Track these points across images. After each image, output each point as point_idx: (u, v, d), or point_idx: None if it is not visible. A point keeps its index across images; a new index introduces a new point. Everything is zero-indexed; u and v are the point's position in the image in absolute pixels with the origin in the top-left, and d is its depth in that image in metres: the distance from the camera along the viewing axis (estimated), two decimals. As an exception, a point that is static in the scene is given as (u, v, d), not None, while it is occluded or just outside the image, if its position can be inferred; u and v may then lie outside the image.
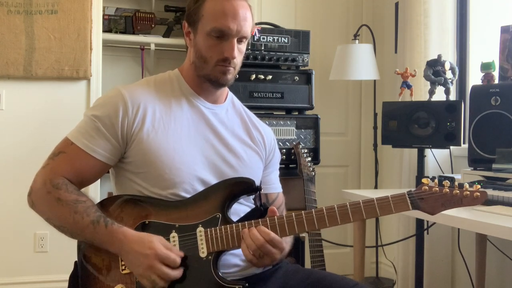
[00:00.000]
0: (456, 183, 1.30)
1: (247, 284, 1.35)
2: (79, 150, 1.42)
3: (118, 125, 1.42)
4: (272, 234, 1.33)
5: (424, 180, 1.32)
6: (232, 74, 1.49)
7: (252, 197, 1.53)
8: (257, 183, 1.47)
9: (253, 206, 1.55)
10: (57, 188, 1.38)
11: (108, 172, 1.52)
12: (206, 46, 1.46)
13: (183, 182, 1.43)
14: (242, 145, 1.56)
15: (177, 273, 1.33)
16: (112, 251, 1.36)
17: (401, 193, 1.31)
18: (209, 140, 1.50)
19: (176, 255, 1.33)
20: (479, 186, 1.28)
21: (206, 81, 1.51)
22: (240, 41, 1.47)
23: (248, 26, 1.47)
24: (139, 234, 1.35)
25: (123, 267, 1.37)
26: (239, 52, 1.48)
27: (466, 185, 1.29)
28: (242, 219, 1.39)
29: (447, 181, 1.31)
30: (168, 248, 1.33)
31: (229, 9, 1.44)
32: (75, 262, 1.45)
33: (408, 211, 1.33)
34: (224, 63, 1.46)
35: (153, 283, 1.31)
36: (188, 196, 1.43)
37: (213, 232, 1.36)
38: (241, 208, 1.48)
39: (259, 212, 1.41)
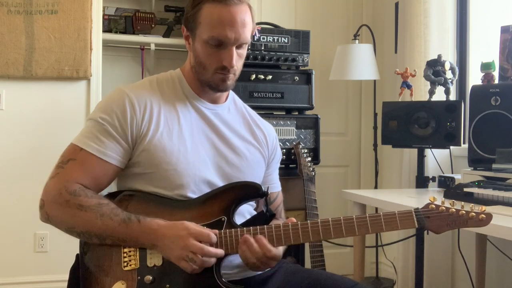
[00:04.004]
0: (462, 203, 1.32)
1: None
2: (90, 155, 1.38)
3: (127, 126, 1.40)
4: (273, 252, 1.33)
5: (431, 198, 1.34)
6: (232, 80, 1.47)
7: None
8: (259, 181, 1.47)
9: (254, 205, 1.55)
10: (75, 195, 1.34)
11: None
12: (205, 54, 1.43)
13: (189, 183, 1.41)
14: (245, 143, 1.55)
15: (217, 251, 1.31)
16: (147, 245, 1.34)
17: (407, 210, 1.33)
18: (212, 140, 1.49)
19: (210, 231, 1.32)
20: (485, 208, 1.31)
21: (206, 86, 1.49)
22: (239, 46, 1.44)
23: (247, 31, 1.42)
24: (171, 221, 1.33)
25: (125, 264, 1.35)
26: (239, 58, 1.45)
27: (473, 207, 1.31)
28: (247, 223, 1.39)
29: (453, 201, 1.34)
30: (202, 227, 1.32)
31: (226, 17, 1.38)
32: (77, 255, 1.43)
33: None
34: (223, 71, 1.43)
35: (191, 261, 1.28)
36: (194, 197, 1.42)
37: (218, 235, 1.34)
38: (243, 207, 1.47)
39: (265, 217, 1.40)
